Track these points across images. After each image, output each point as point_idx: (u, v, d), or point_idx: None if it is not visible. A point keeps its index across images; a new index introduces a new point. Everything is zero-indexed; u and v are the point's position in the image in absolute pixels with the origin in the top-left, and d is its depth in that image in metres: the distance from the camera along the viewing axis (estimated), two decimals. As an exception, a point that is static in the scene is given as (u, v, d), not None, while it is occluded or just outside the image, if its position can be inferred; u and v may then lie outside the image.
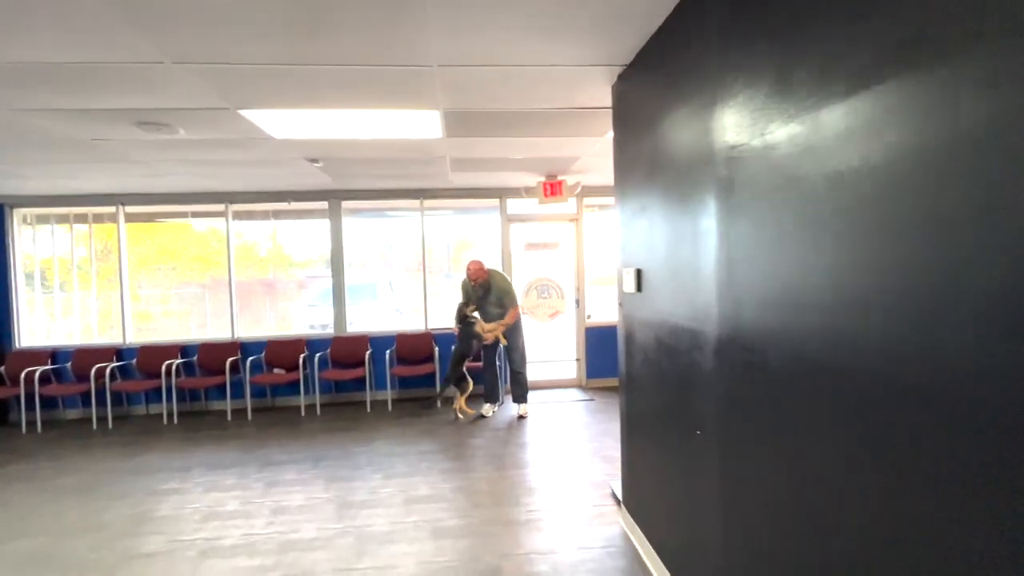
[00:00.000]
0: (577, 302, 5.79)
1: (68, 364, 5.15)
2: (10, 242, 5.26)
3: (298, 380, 5.04)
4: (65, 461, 3.92)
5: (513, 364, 4.78)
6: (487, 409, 4.79)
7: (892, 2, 0.97)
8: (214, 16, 1.83)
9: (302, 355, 5.11)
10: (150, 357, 5.13)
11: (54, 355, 5.18)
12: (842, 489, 1.14)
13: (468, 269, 4.65)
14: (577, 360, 5.86)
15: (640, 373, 2.43)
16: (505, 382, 5.11)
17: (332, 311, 5.55)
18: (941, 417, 0.90)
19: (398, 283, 7.74)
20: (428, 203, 5.57)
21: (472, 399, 4.84)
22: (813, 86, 1.18)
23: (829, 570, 1.19)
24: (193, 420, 4.97)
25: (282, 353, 5.30)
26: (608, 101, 2.76)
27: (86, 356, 5.11)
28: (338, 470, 3.56)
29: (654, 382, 2.26)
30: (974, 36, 0.82)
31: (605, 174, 5.01)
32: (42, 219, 5.43)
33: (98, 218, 5.39)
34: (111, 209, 5.31)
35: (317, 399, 5.11)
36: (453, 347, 4.81)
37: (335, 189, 5.37)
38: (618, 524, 2.74)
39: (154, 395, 5.09)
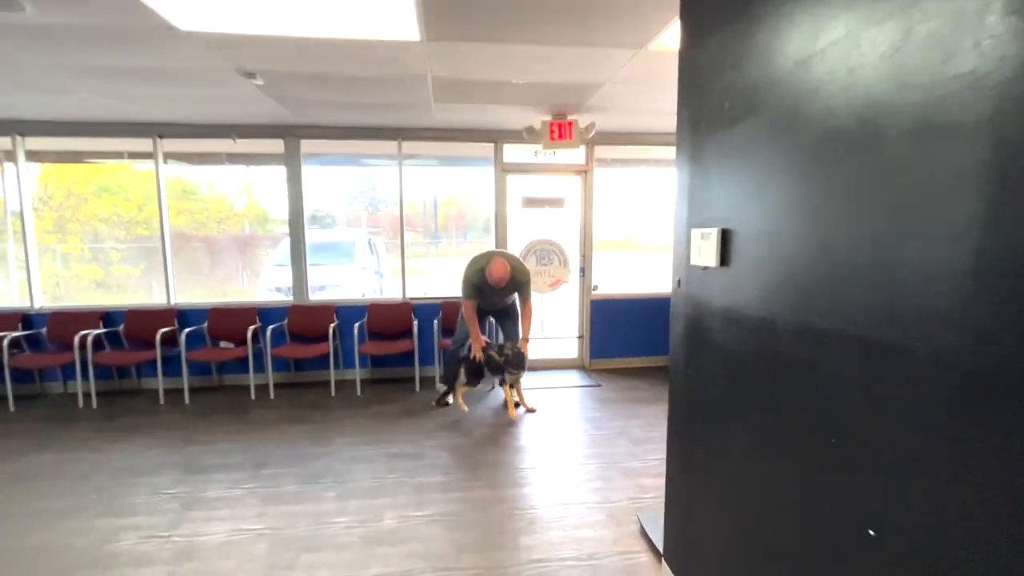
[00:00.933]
0: (583, 270, 4.94)
1: (-39, 332, 4.20)
2: None
3: (247, 356, 4.17)
4: (-68, 461, 3.06)
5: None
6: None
7: None
8: None
9: (251, 327, 4.22)
10: (64, 325, 4.20)
11: (-58, 320, 4.22)
12: None
13: (491, 274, 3.58)
14: (580, 338, 5.07)
15: (718, 386, 1.61)
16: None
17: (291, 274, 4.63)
18: None
19: (381, 243, 6.82)
20: (408, 146, 4.59)
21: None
22: None
23: None
24: (118, 402, 4.11)
25: (228, 323, 4.41)
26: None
27: (-19, 323, 4.16)
28: (282, 483, 2.76)
29: (750, 404, 1.44)
30: None
31: (626, 116, 4.07)
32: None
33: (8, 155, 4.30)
34: (6, 142, 4.23)
35: (270, 379, 4.26)
36: (452, 343, 4.03)
37: (293, 125, 4.35)
38: (656, 583, 2.00)
39: (73, 371, 4.18)
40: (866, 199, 1.01)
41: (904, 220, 0.92)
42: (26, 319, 4.28)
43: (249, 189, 4.89)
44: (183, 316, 4.45)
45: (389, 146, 4.57)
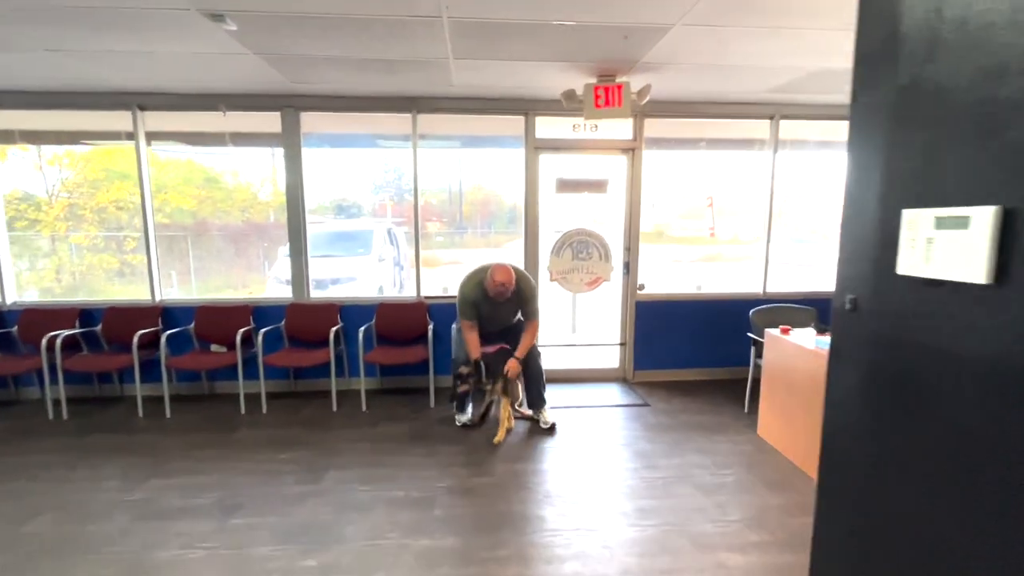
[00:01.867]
0: (627, 266, 4.20)
1: (-75, 330, 3.76)
2: None
3: (236, 363, 3.60)
4: None
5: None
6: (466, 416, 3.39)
7: None
8: None
9: (241, 329, 3.65)
10: (36, 324, 3.70)
11: (-94, 317, 3.78)
12: None
13: (493, 280, 3.05)
14: (622, 345, 4.34)
15: (954, 508, 0.88)
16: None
17: (290, 268, 4.03)
18: None
19: (402, 233, 6.21)
20: (425, 121, 3.90)
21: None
22: None
23: None
24: (93, 412, 3.60)
25: (217, 324, 3.85)
26: None
27: (-53, 320, 3.70)
28: (252, 540, 2.15)
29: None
30: None
31: (690, 76, 3.29)
32: None
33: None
34: (-27, 113, 3.73)
35: (263, 390, 3.69)
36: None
37: (291, 94, 3.72)
38: None
39: (53, 375, 3.68)
40: None
41: None
42: (-3, 316, 3.81)
43: (275, 177, 4.34)
44: (169, 315, 3.91)
45: (404, 123, 3.89)
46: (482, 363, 3.10)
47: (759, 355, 3.41)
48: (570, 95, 3.28)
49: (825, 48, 2.76)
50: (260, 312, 3.94)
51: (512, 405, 3.51)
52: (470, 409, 3.38)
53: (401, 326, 3.95)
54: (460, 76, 3.30)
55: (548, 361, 3.55)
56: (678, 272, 4.61)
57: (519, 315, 3.38)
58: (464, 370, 3.08)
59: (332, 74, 3.25)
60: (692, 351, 4.29)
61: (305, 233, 3.97)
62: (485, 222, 5.31)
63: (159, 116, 3.81)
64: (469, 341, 3.17)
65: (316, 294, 4.36)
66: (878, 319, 1.03)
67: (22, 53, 2.85)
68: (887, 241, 0.99)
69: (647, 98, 3.31)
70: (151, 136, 3.87)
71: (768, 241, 4.28)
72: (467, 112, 3.90)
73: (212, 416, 3.53)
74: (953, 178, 0.86)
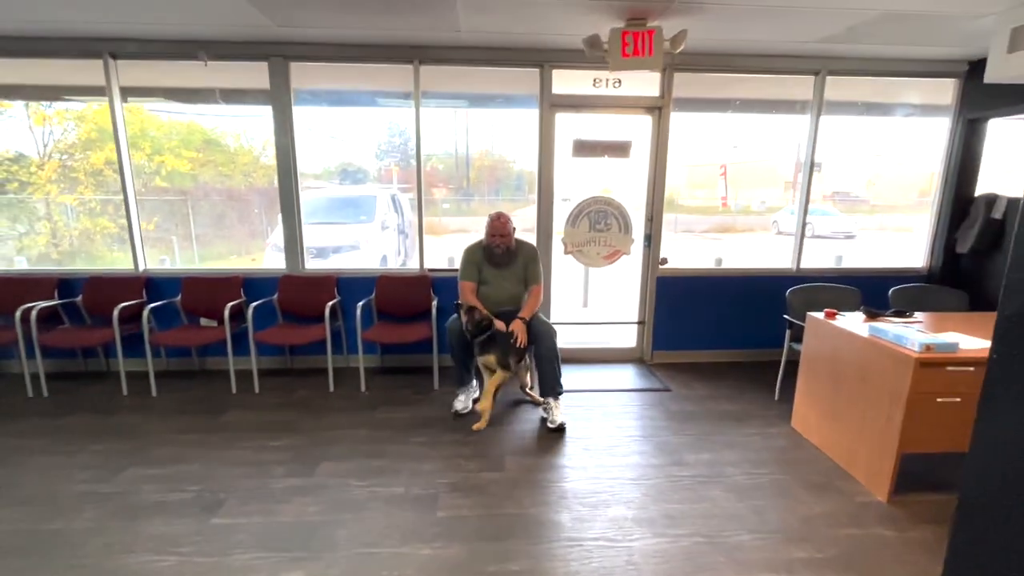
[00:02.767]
0: (648, 239, 3.85)
1: None
2: None
3: (225, 339, 3.34)
4: None
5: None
6: (460, 402, 3.07)
7: None
8: None
9: (230, 303, 3.37)
10: (11, 295, 3.44)
11: None
12: None
13: (491, 221, 2.96)
14: (640, 323, 4.03)
15: None
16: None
17: (283, 235, 3.72)
18: None
19: (407, 200, 5.86)
20: (429, 74, 3.50)
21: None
22: None
23: None
24: (76, 389, 3.38)
25: (205, 296, 3.57)
26: None
27: (-83, 289, 3.45)
28: (233, 545, 1.92)
29: None
30: None
31: (732, 22, 2.85)
32: None
33: None
34: (-71, 61, 3.37)
35: (254, 368, 3.43)
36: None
37: (278, 41, 3.32)
38: None
39: (48, 350, 3.43)
40: None
41: None
42: (-29, 285, 3.55)
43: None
44: (154, 286, 3.64)
45: (405, 77, 3.48)
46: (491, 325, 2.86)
47: (795, 339, 3.09)
48: (593, 42, 2.86)
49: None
50: (252, 284, 3.66)
51: (523, 389, 3.26)
52: (465, 397, 3.08)
53: (403, 301, 3.66)
54: (468, 20, 2.89)
55: (559, 339, 3.10)
56: (689, 243, 4.25)
57: (521, 293, 3.07)
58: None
59: (322, 15, 2.84)
60: (716, 331, 3.98)
61: (297, 199, 3.63)
62: (493, 189, 4.95)
63: (136, 68, 3.43)
64: (471, 303, 2.95)
65: (316, 263, 4.07)
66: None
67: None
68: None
69: (682, 46, 2.87)
70: (129, 91, 3.50)
71: (805, 213, 3.89)
72: (475, 64, 3.48)
73: (200, 396, 3.30)
74: None
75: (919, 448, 2.16)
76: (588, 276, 5.93)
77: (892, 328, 2.28)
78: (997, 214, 3.54)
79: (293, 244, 3.66)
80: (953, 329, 2.44)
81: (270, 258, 4.30)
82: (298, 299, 3.61)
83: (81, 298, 3.54)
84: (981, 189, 3.78)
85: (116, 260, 3.82)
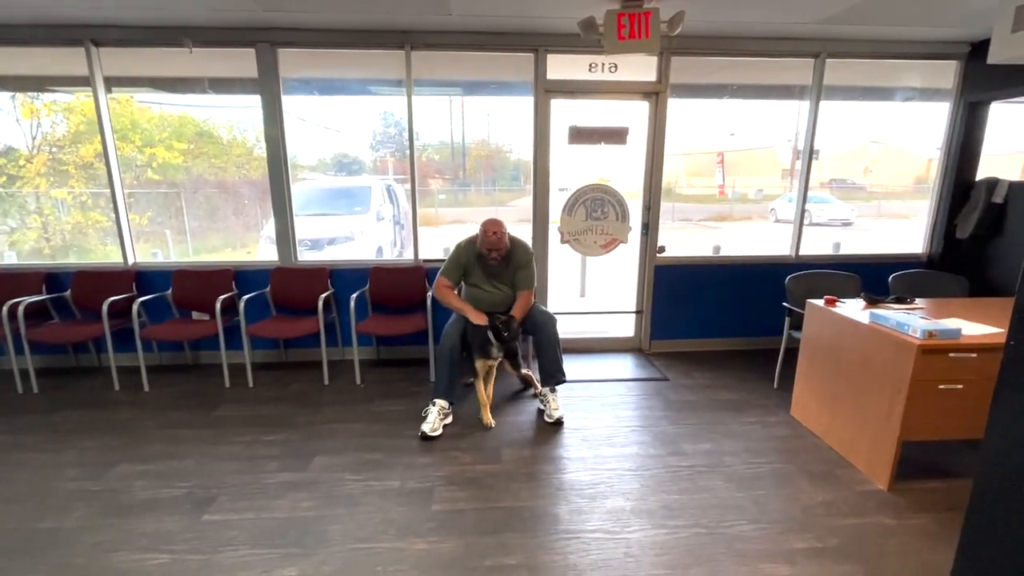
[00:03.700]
0: (646, 227, 3.80)
1: None
2: None
3: (217, 332, 3.29)
4: None
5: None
6: (430, 424, 2.70)
7: None
8: None
9: (222, 296, 3.31)
10: (1, 290, 3.38)
11: None
12: None
13: (485, 231, 2.79)
14: (638, 313, 3.99)
15: None
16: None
17: (275, 226, 3.65)
18: None
19: (402, 191, 5.79)
20: (421, 60, 3.41)
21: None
22: None
23: None
24: (67, 385, 3.33)
25: (196, 290, 3.51)
26: None
27: (-99, 285, 3.38)
28: (225, 543, 1.88)
29: None
30: None
31: (731, 3, 2.78)
32: None
33: None
34: (-95, 50, 3.27)
35: (247, 361, 3.39)
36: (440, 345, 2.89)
37: (265, 26, 3.23)
38: None
39: (38, 346, 3.36)
40: None
41: None
42: (-43, 281, 3.48)
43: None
44: (145, 280, 3.58)
45: (397, 63, 3.40)
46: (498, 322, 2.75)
47: (794, 326, 3.06)
48: (589, 24, 2.79)
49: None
50: (244, 277, 3.60)
51: (517, 370, 3.20)
52: (435, 417, 2.70)
53: (397, 292, 3.61)
54: (460, 2, 2.81)
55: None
56: (687, 231, 4.21)
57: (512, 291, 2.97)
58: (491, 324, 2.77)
59: (313, 5, 2.76)
60: (715, 320, 3.95)
61: (289, 190, 3.56)
62: (490, 179, 4.90)
63: (120, 56, 3.34)
64: (449, 298, 2.87)
65: (311, 255, 4.03)
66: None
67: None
68: None
69: (679, 28, 2.80)
70: (113, 81, 3.42)
71: (804, 200, 3.84)
72: (468, 48, 3.40)
73: (193, 390, 3.25)
74: None
75: (920, 436, 2.14)
76: (585, 265, 5.89)
77: (893, 315, 2.24)
78: (998, 199, 3.50)
79: (285, 236, 3.60)
80: (955, 315, 2.41)
81: (264, 250, 4.24)
82: (291, 291, 3.56)
83: (70, 293, 3.48)
84: (982, 173, 3.73)
85: (109, 254, 3.76)
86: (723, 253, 4.04)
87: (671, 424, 2.79)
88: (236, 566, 1.76)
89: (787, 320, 3.13)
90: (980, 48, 3.51)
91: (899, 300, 2.69)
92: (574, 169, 3.94)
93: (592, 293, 5.89)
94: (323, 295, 3.39)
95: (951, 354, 2.06)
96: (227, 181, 3.98)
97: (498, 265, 2.86)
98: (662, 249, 3.81)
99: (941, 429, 2.14)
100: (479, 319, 2.80)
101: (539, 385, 3.01)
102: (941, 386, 2.08)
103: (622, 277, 4.28)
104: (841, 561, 1.79)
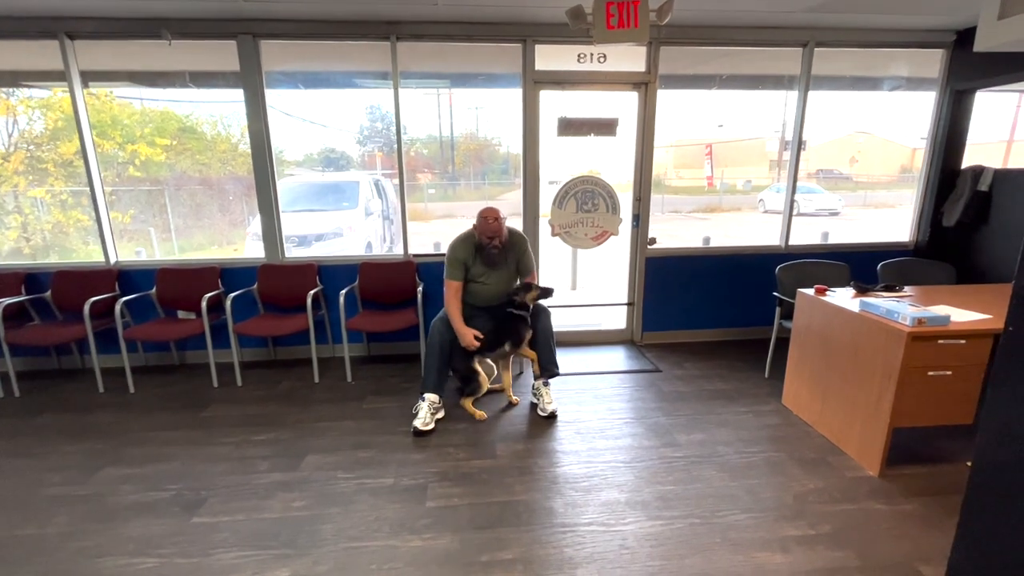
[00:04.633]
0: (637, 219, 3.79)
1: None
2: None
3: (204, 331, 3.23)
4: None
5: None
6: (421, 419, 2.67)
7: None
8: None
9: (208, 294, 3.25)
10: (-24, 291, 3.29)
11: None
12: None
13: (484, 219, 2.74)
14: (629, 305, 3.99)
15: None
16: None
17: (262, 224, 3.59)
18: None
19: (390, 185, 5.73)
20: (407, 51, 3.36)
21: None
22: None
23: None
24: (50, 388, 3.26)
25: (182, 288, 3.45)
26: None
27: None
28: (215, 544, 1.85)
29: None
30: None
31: (719, -13, 2.76)
32: None
33: None
34: None
35: (235, 360, 3.34)
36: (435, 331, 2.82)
37: (245, 17, 3.15)
38: None
39: (18, 348, 3.24)
40: None
41: None
42: (-68, 283, 3.38)
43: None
44: (127, 279, 3.50)
45: (382, 55, 3.34)
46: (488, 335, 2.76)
47: (785, 316, 3.07)
48: (577, 13, 2.75)
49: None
50: (230, 274, 3.54)
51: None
52: (425, 412, 2.67)
53: (387, 288, 3.57)
54: (446, -8, 2.76)
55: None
56: (677, 223, 4.21)
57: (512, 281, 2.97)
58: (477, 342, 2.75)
59: (292, -10, 2.70)
60: (706, 311, 3.96)
61: (274, 186, 3.50)
62: (479, 172, 4.85)
63: (96, 49, 3.25)
64: (451, 305, 2.79)
65: (299, 252, 3.97)
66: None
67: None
68: None
69: (668, 17, 2.78)
70: (90, 75, 3.32)
71: (793, 190, 3.85)
72: (455, 39, 3.35)
73: (180, 391, 3.20)
74: None
75: (910, 422, 2.15)
76: (576, 258, 5.88)
77: (883, 303, 2.25)
78: (984, 187, 3.54)
79: (271, 232, 3.54)
80: (943, 302, 2.43)
81: (251, 247, 4.17)
82: (278, 289, 3.50)
83: (50, 293, 3.40)
84: (967, 162, 3.76)
85: (92, 253, 3.67)
86: (713, 244, 4.05)
87: (664, 415, 2.80)
88: (227, 568, 1.73)
89: (778, 310, 3.15)
90: (966, 36, 3.53)
91: (888, 288, 2.71)
92: (564, 161, 3.92)
93: (584, 286, 5.89)
94: (312, 292, 3.34)
95: (940, 341, 2.07)
96: (212, 178, 3.90)
97: (499, 254, 2.82)
98: (653, 241, 3.81)
99: (930, 415, 2.16)
100: (469, 344, 2.75)
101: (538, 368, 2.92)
102: (930, 372, 2.10)
103: (613, 269, 4.27)
104: (834, 547, 1.80)
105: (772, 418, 2.75)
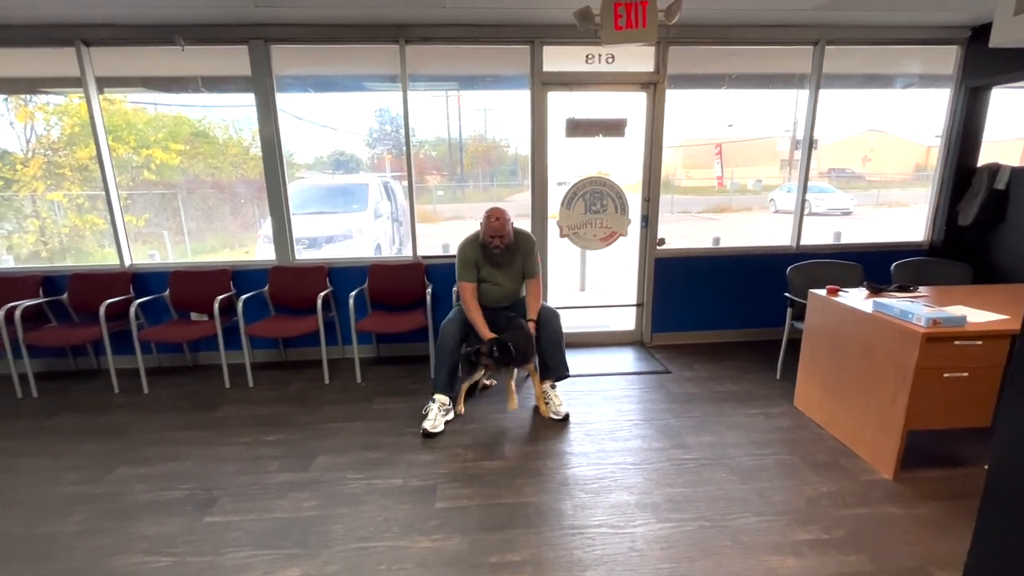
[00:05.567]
0: (646, 219, 3.77)
1: None
2: None
3: (216, 333, 3.27)
4: None
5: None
6: (431, 421, 2.68)
7: None
8: None
9: (220, 296, 3.29)
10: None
11: None
12: None
13: (488, 217, 2.75)
14: (639, 306, 3.97)
15: None
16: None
17: (273, 227, 3.62)
18: None
19: (400, 187, 5.77)
20: (416, 54, 3.37)
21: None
22: None
23: None
24: (67, 388, 3.32)
25: (195, 291, 3.49)
26: None
27: None
28: (227, 544, 1.87)
29: None
30: None
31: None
32: None
33: None
34: None
35: (247, 362, 3.37)
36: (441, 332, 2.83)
37: (257, 22, 3.19)
38: None
39: (36, 349, 3.30)
40: None
41: None
42: (-47, 285, 3.46)
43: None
44: (141, 281, 3.56)
45: (391, 58, 3.36)
46: (507, 345, 2.62)
47: (796, 317, 3.04)
48: (585, 14, 2.75)
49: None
50: (242, 277, 3.58)
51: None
52: (435, 414, 2.68)
53: (396, 289, 3.59)
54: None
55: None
56: (686, 223, 4.19)
57: (521, 296, 2.97)
58: (483, 348, 2.66)
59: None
60: (716, 311, 3.93)
61: (285, 189, 3.53)
62: (487, 174, 4.87)
63: (111, 56, 3.30)
64: (470, 307, 2.81)
65: (309, 253, 4.01)
66: None
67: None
68: None
69: (676, 17, 2.76)
70: (105, 81, 3.38)
71: (804, 189, 3.81)
72: (463, 41, 3.36)
73: (193, 391, 3.24)
74: None
75: (925, 425, 2.12)
76: (585, 259, 5.87)
77: (897, 303, 2.22)
78: (1000, 185, 3.47)
79: (282, 235, 3.58)
80: (959, 302, 2.39)
81: (262, 250, 4.22)
82: (289, 290, 3.53)
83: (67, 296, 3.46)
84: (983, 160, 3.70)
85: (107, 256, 3.73)
86: (723, 244, 4.02)
87: (674, 417, 2.78)
88: (238, 567, 1.75)
89: (789, 311, 3.11)
90: (981, 32, 3.47)
91: (902, 288, 2.67)
92: (572, 162, 3.92)
93: (592, 287, 5.87)
94: (322, 293, 3.37)
95: (956, 342, 2.04)
96: (223, 181, 3.95)
97: (502, 254, 2.81)
98: (662, 241, 3.79)
99: (946, 417, 2.13)
100: (487, 336, 2.75)
101: (515, 402, 2.85)
102: (946, 374, 2.06)
103: (622, 270, 4.26)
104: (848, 552, 1.78)
105: (783, 420, 2.72)
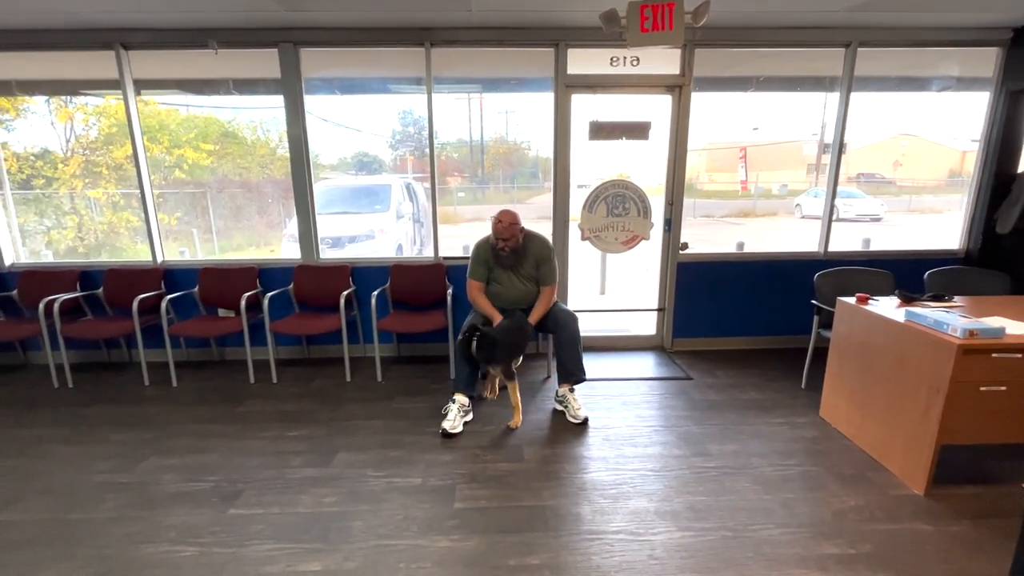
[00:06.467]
0: (669, 223, 3.73)
1: (-75, 293, 3.60)
2: None
3: (242, 329, 3.34)
4: None
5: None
6: (450, 421, 2.68)
7: None
8: None
9: (247, 293, 3.36)
10: (36, 288, 3.50)
11: (-94, 279, 3.62)
12: None
13: (496, 220, 2.76)
14: (660, 311, 3.93)
15: None
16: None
17: (297, 226, 3.69)
18: None
19: (421, 189, 5.83)
20: (441, 57, 3.40)
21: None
22: None
23: None
24: (101, 379, 3.43)
25: (223, 287, 3.58)
26: None
27: (-55, 283, 3.52)
28: (251, 537, 1.91)
29: None
30: None
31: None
32: None
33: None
34: (-53, 57, 3.40)
35: (271, 358, 3.44)
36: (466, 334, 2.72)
37: (287, 26, 3.26)
38: None
39: (72, 341, 3.41)
40: None
41: None
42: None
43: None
44: (172, 278, 3.66)
45: (417, 61, 3.39)
46: (488, 338, 2.57)
47: (823, 325, 2.97)
48: (611, 16, 2.74)
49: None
50: (267, 275, 3.65)
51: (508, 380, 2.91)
52: (455, 414, 2.69)
53: (418, 290, 3.62)
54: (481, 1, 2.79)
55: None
56: (710, 228, 4.13)
57: (533, 294, 2.94)
58: (465, 331, 2.66)
59: (334, 4, 2.78)
60: (739, 318, 3.86)
61: (311, 189, 3.60)
62: (508, 176, 4.88)
63: (148, 59, 3.41)
64: (478, 302, 2.87)
65: (332, 253, 4.07)
66: None
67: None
68: None
69: (704, 19, 2.73)
70: (142, 84, 3.49)
71: (833, 195, 3.73)
72: (488, 44, 3.38)
73: (220, 386, 3.32)
74: None
75: (960, 439, 2.05)
76: (606, 262, 5.83)
77: (931, 313, 2.15)
78: (1042, 191, 3.34)
79: (308, 234, 3.64)
80: (996, 313, 2.30)
81: (287, 248, 4.31)
82: (313, 289, 3.59)
83: (102, 290, 3.58)
84: (1024, 165, 3.57)
85: (141, 252, 3.86)
86: (747, 250, 3.95)
87: (695, 424, 2.74)
88: (261, 560, 1.78)
89: (816, 318, 3.05)
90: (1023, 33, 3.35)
91: (936, 298, 2.59)
92: (594, 165, 3.90)
93: (613, 290, 5.83)
94: (345, 292, 3.42)
95: (994, 354, 1.97)
96: (251, 181, 4.05)
97: (509, 257, 2.81)
98: (685, 246, 3.74)
99: (982, 432, 2.05)
100: (496, 318, 2.80)
101: (519, 420, 2.77)
102: (983, 388, 1.99)
103: (643, 274, 4.22)
104: (875, 568, 1.72)
105: (809, 430, 2.66)
